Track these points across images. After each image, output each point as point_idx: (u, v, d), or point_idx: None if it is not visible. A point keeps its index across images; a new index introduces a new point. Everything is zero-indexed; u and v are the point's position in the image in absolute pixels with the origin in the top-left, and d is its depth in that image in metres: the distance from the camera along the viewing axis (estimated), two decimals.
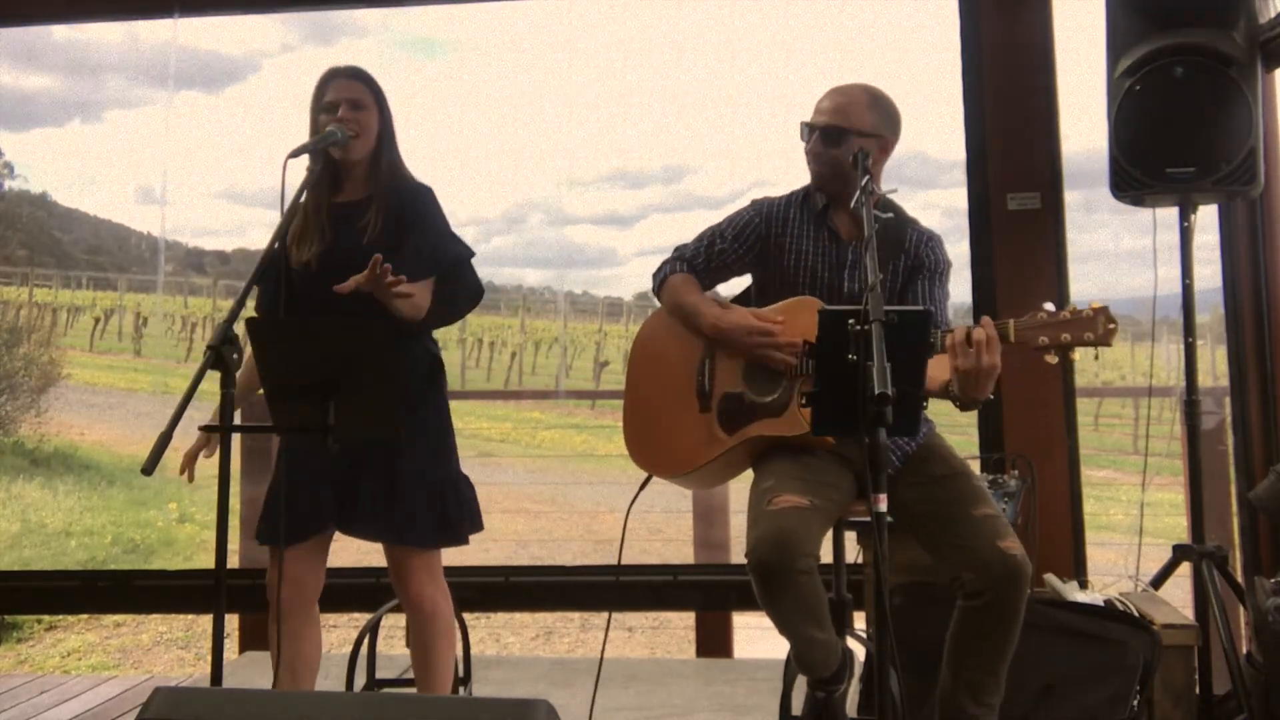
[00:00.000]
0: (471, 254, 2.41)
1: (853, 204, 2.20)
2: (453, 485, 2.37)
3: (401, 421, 2.27)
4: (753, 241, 2.38)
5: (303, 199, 2.36)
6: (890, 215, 2.21)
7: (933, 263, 2.32)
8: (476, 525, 2.41)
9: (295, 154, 2.17)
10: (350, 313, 2.24)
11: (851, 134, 2.26)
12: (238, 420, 2.46)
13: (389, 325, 2.30)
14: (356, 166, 2.35)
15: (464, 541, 2.38)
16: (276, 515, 2.28)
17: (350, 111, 2.30)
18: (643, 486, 2.42)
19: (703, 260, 2.41)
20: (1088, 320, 1.98)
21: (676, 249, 2.45)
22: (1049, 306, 2.01)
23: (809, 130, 2.32)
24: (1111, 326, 1.98)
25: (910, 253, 2.32)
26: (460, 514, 2.36)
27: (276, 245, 2.08)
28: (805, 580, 1.97)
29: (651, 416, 2.41)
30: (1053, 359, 2.01)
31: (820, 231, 2.34)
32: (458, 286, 2.40)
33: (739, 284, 2.50)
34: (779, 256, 2.35)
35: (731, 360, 2.30)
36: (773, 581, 1.97)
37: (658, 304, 2.48)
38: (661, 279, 2.43)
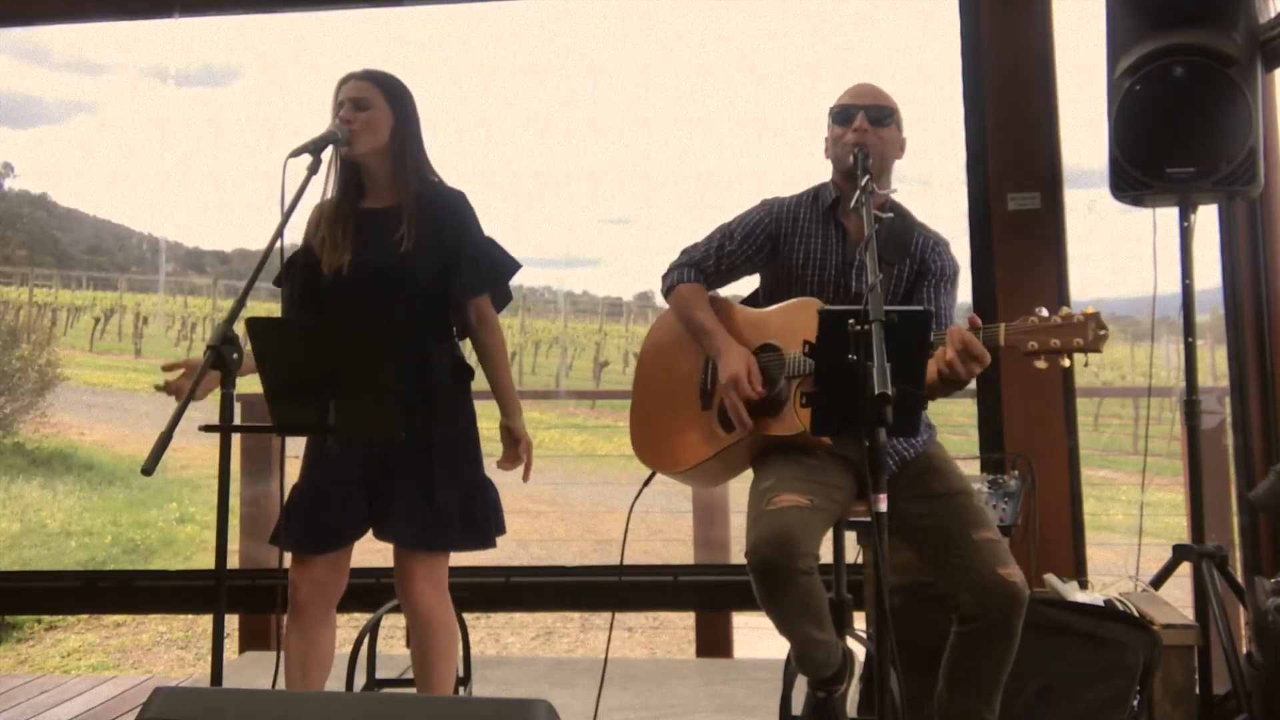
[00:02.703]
0: (519, 265, 2.43)
1: (853, 204, 2.20)
2: (480, 488, 2.37)
3: (401, 422, 2.28)
4: (762, 241, 2.37)
5: (325, 202, 2.37)
6: (891, 215, 2.21)
7: (939, 268, 2.30)
8: (501, 528, 2.40)
9: (295, 154, 2.17)
10: (369, 313, 2.27)
11: (895, 118, 2.27)
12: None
13: (387, 326, 2.32)
14: (376, 168, 2.34)
15: (491, 544, 2.37)
16: (304, 520, 2.28)
17: (352, 111, 2.30)
18: (645, 484, 2.43)
19: (712, 262, 2.41)
20: (1078, 326, 1.96)
21: (685, 251, 2.44)
22: (1042, 311, 1.99)
23: (849, 111, 2.26)
24: (1102, 333, 1.96)
25: (916, 257, 2.31)
26: (487, 517, 2.36)
27: (277, 245, 2.08)
28: (806, 580, 1.97)
29: (656, 412, 2.42)
30: (1042, 364, 1.98)
31: (829, 229, 2.33)
32: (504, 295, 2.44)
33: (748, 284, 2.50)
34: (788, 255, 2.35)
35: None
36: (773, 581, 1.97)
37: (658, 304, 2.48)
38: (670, 286, 2.43)
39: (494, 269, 2.39)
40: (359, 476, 2.30)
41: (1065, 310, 1.99)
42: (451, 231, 2.33)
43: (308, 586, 2.30)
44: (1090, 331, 1.96)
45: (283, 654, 2.34)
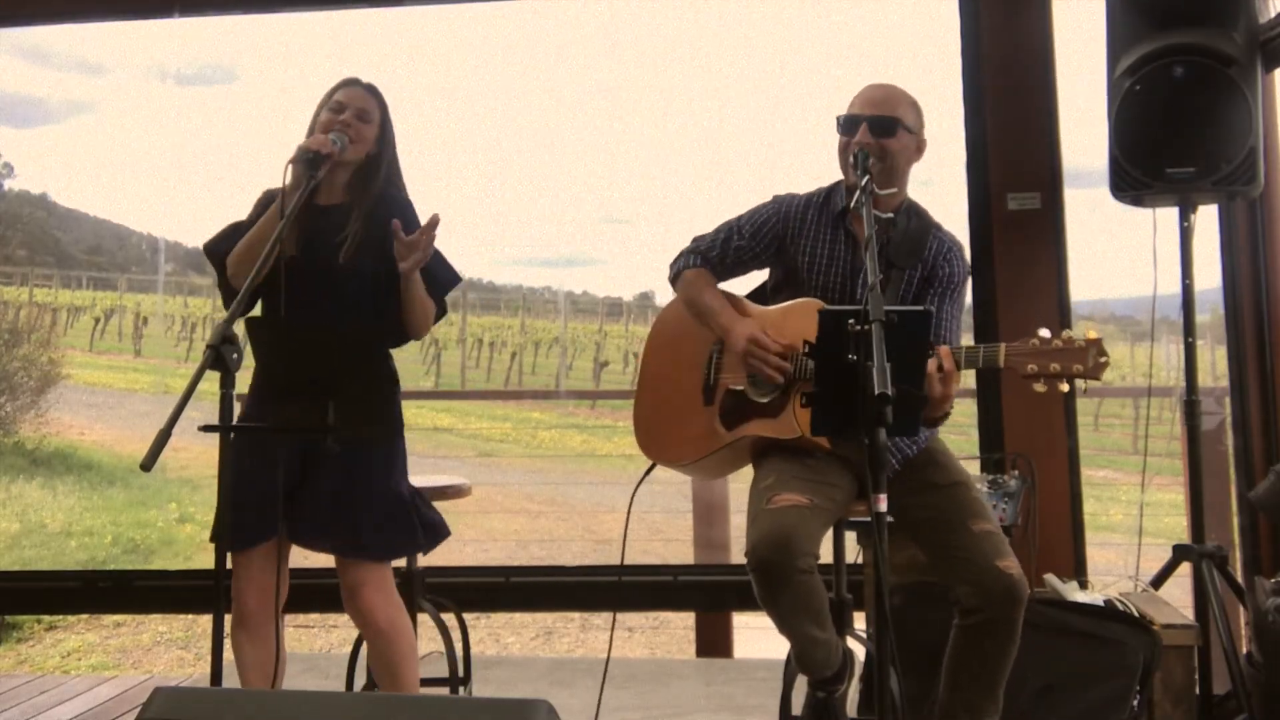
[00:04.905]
0: (460, 279, 2.46)
1: (853, 204, 2.20)
2: (399, 497, 2.33)
3: (398, 422, 2.27)
4: (770, 240, 2.37)
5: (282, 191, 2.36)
6: (891, 216, 2.21)
7: (946, 275, 2.29)
8: (436, 533, 2.39)
9: (297, 159, 2.17)
10: (321, 312, 2.27)
11: (901, 125, 2.24)
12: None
13: (384, 329, 2.34)
14: (341, 173, 2.35)
15: (423, 549, 2.40)
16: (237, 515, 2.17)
17: (354, 120, 2.32)
18: (646, 474, 2.44)
19: (718, 254, 2.40)
20: (1079, 352, 1.96)
21: (694, 240, 2.45)
22: (1044, 333, 1.98)
23: (853, 122, 2.26)
24: (1103, 360, 1.96)
25: (928, 261, 2.29)
26: (415, 525, 2.34)
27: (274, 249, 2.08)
28: (805, 579, 1.97)
29: (659, 404, 2.42)
30: (1041, 388, 1.98)
31: (837, 234, 2.32)
32: (442, 308, 2.44)
33: (754, 279, 2.49)
34: (794, 257, 2.34)
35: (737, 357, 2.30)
36: (773, 580, 1.97)
37: (659, 304, 2.49)
38: (677, 272, 2.44)
39: (441, 280, 2.40)
40: (275, 478, 2.22)
41: (1067, 334, 1.98)
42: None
43: (251, 592, 2.25)
44: (1091, 358, 1.96)
45: (237, 665, 2.28)
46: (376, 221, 2.31)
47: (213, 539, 2.26)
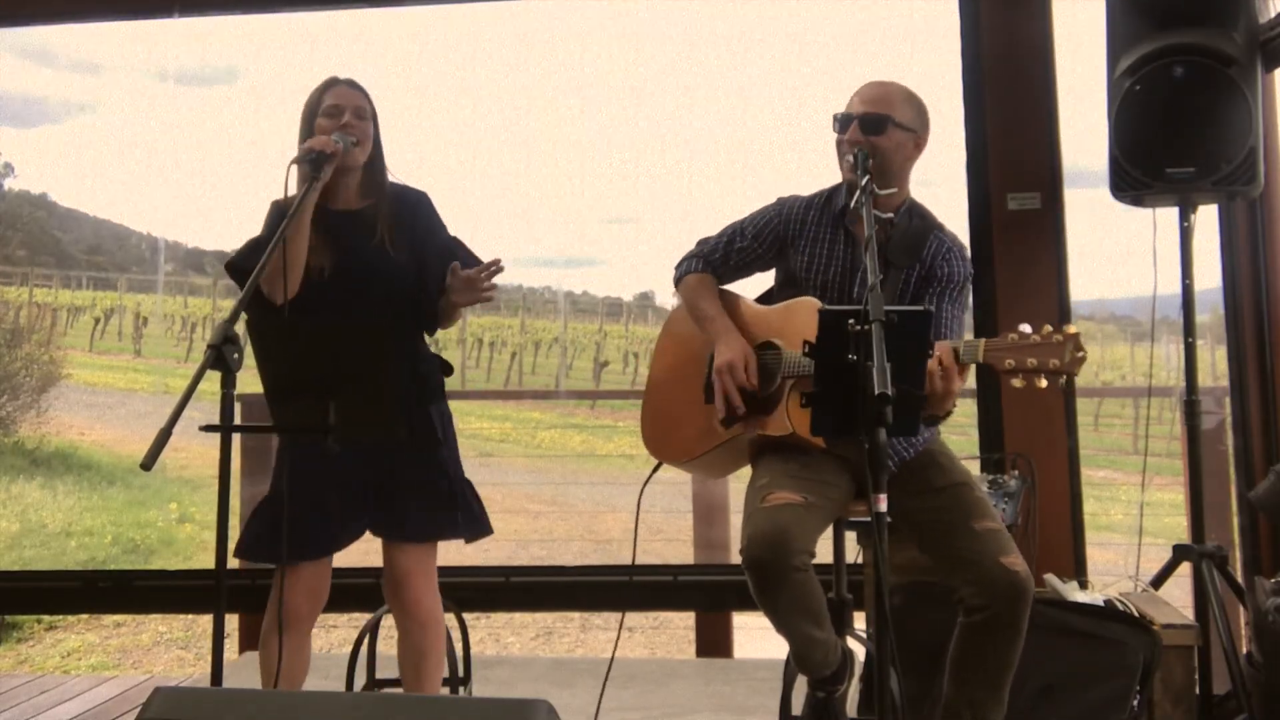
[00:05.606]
0: None
1: (853, 203, 2.21)
2: (465, 480, 2.41)
3: (402, 422, 2.28)
4: (772, 241, 2.38)
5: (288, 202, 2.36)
6: (890, 216, 2.20)
7: (945, 275, 2.28)
8: (487, 524, 2.44)
9: (300, 159, 2.17)
10: (371, 314, 2.29)
11: (892, 123, 2.23)
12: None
13: (393, 329, 2.34)
14: (351, 175, 2.35)
15: (490, 529, 2.42)
16: (297, 528, 2.23)
17: (355, 120, 2.31)
18: (653, 472, 2.45)
19: (721, 256, 2.42)
20: (1055, 346, 1.94)
21: (699, 242, 2.46)
22: (1024, 328, 1.97)
23: (846, 120, 2.26)
24: (1080, 354, 1.94)
25: (925, 262, 2.29)
26: (479, 504, 2.40)
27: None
28: (800, 577, 1.97)
29: (664, 402, 2.45)
30: (1019, 383, 1.96)
31: (837, 234, 2.32)
32: None
33: (764, 280, 2.50)
34: (794, 258, 2.35)
35: None
36: (767, 578, 1.97)
37: (659, 304, 2.51)
38: (680, 276, 2.45)
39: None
40: (361, 477, 2.30)
41: (1047, 328, 1.96)
42: (421, 232, 2.37)
43: (303, 597, 2.29)
44: (1067, 353, 1.94)
45: (266, 664, 2.30)
46: (400, 218, 2.35)
47: (238, 554, 2.30)
